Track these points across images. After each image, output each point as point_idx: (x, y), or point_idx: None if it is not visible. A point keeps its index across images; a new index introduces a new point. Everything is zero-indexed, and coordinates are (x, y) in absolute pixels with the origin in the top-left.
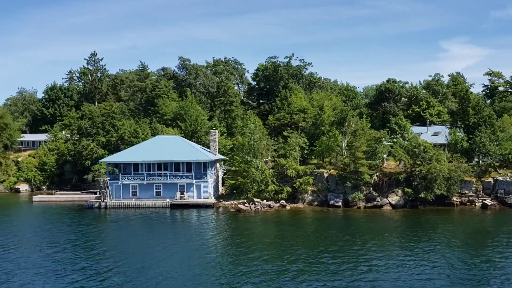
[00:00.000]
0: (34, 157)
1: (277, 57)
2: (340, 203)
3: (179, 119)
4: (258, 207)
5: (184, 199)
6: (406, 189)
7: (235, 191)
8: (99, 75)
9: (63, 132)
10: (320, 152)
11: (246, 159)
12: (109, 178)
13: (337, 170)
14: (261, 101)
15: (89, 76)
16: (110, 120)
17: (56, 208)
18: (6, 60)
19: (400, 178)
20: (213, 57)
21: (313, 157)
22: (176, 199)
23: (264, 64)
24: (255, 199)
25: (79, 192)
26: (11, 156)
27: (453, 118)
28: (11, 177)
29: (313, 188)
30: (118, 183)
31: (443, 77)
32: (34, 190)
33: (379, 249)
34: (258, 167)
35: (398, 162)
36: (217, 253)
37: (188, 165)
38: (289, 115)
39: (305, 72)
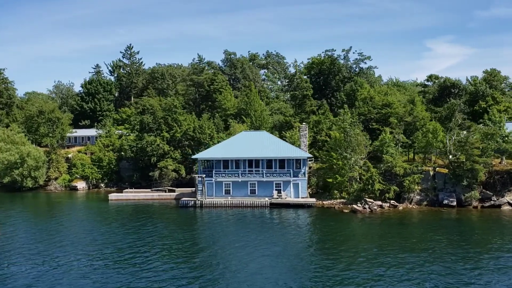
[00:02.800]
0: (85, 153)
1: (334, 50)
2: (454, 203)
3: (243, 114)
4: (375, 207)
5: (282, 198)
6: None
7: (320, 190)
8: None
9: (115, 127)
10: (421, 148)
11: (345, 156)
12: (205, 175)
13: (449, 168)
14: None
15: (123, 70)
16: (172, 115)
17: (143, 207)
18: None
19: None
20: (248, 51)
21: (406, 154)
22: (274, 198)
23: (317, 57)
24: (367, 199)
25: (149, 190)
26: (61, 152)
27: None
28: (64, 174)
29: (419, 187)
30: (211, 180)
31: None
32: (91, 188)
33: None
34: (360, 164)
35: (499, 159)
36: (386, 264)
37: (281, 162)
38: (374, 109)
39: (363, 65)
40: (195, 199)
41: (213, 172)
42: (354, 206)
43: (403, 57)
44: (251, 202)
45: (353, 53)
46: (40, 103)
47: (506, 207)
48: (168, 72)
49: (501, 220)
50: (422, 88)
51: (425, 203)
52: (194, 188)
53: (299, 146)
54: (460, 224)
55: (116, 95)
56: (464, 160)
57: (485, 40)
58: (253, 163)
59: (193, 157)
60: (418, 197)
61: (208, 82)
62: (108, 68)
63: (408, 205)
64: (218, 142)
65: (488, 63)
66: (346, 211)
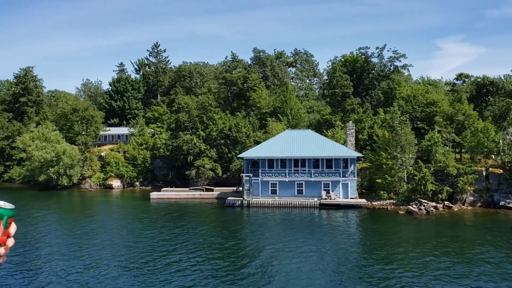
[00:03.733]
0: (118, 152)
1: (368, 48)
2: (511, 204)
3: (280, 113)
4: (431, 208)
5: (332, 198)
6: None
7: (364, 191)
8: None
9: (147, 126)
10: (472, 148)
11: (395, 156)
12: (252, 175)
13: (503, 168)
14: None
15: (150, 68)
16: (207, 114)
17: (187, 206)
18: (2, 54)
19: None
20: (274, 49)
21: (453, 154)
22: (324, 199)
23: (350, 55)
24: (422, 200)
25: (187, 189)
26: (94, 151)
27: None
28: (97, 172)
29: (472, 188)
30: (257, 180)
31: None
32: (125, 186)
33: None
34: (410, 163)
35: None
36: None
37: (329, 162)
38: (419, 108)
39: (398, 63)
40: (242, 198)
41: (259, 171)
42: (410, 207)
43: (413, 57)
44: (299, 202)
45: (388, 51)
46: (73, 101)
47: None
48: (196, 70)
49: None
50: (452, 87)
51: (479, 204)
52: (235, 188)
53: (343, 144)
54: None
55: (143, 92)
56: None
57: (496, 39)
58: (299, 162)
59: (238, 156)
60: (471, 198)
61: (241, 80)
62: (134, 66)
63: (462, 206)
64: (255, 140)
65: (499, 62)
66: (401, 212)
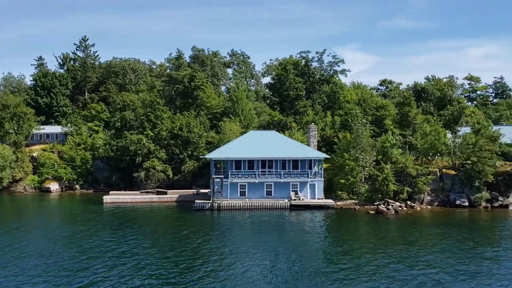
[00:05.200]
0: (53, 152)
1: (309, 52)
2: (466, 203)
3: (231, 113)
4: (399, 208)
5: (300, 200)
6: None
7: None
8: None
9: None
10: (425, 150)
11: (357, 157)
12: (223, 176)
13: (455, 169)
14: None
15: (77, 63)
16: (155, 112)
17: (150, 211)
18: None
19: None
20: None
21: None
22: (293, 200)
23: (288, 59)
24: (389, 201)
25: (137, 192)
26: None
27: None
28: (30, 174)
29: (429, 188)
30: (226, 181)
31: (457, 79)
32: (64, 189)
33: None
34: (371, 164)
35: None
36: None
37: (295, 163)
38: (370, 111)
39: (337, 68)
40: (211, 201)
41: (229, 173)
42: (380, 207)
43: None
44: (270, 204)
45: (328, 55)
46: (3, 97)
47: None
48: (129, 66)
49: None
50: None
51: (436, 203)
52: (195, 190)
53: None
54: (496, 224)
55: (71, 88)
56: (475, 161)
57: (387, 49)
58: (266, 164)
59: (206, 156)
60: (429, 197)
61: (188, 79)
62: (57, 60)
63: (421, 205)
64: (207, 141)
65: (391, 71)
66: (371, 212)
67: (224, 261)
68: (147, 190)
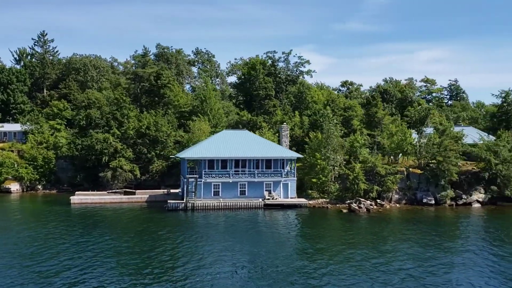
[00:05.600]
0: (12, 151)
1: (276, 52)
2: (432, 201)
3: (199, 112)
4: (371, 207)
5: (274, 199)
6: (492, 187)
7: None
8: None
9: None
10: (392, 150)
11: (328, 156)
12: (198, 176)
13: (421, 168)
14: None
15: (34, 59)
16: (122, 110)
17: (122, 212)
18: None
19: (485, 176)
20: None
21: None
22: (267, 199)
23: (254, 58)
24: (361, 199)
25: (105, 192)
26: None
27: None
28: None
29: (396, 187)
30: (200, 181)
31: (416, 81)
32: (25, 190)
33: None
34: (341, 164)
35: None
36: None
37: (268, 162)
38: (339, 111)
39: (303, 69)
40: (185, 201)
41: (202, 172)
42: (353, 205)
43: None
44: (245, 203)
45: (294, 56)
46: None
47: (476, 205)
48: (91, 63)
49: (487, 215)
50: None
51: (403, 201)
52: (165, 190)
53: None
54: (460, 220)
55: (29, 85)
56: (441, 161)
57: (342, 51)
58: (239, 163)
59: (179, 156)
60: (396, 196)
61: (154, 77)
62: (13, 55)
63: (389, 203)
64: (176, 140)
65: (345, 73)
66: (344, 211)
67: (201, 261)
68: (114, 190)
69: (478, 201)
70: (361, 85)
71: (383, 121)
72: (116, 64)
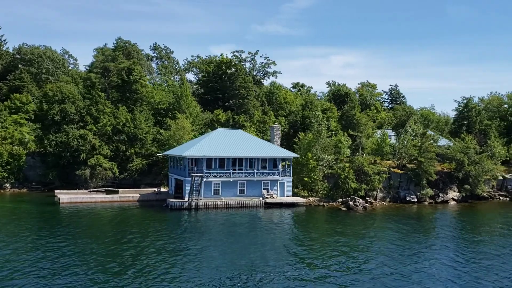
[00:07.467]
0: None
1: (243, 52)
2: (415, 199)
3: (177, 110)
4: (366, 205)
5: (272, 197)
6: (465, 186)
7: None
8: None
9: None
10: (373, 151)
11: (319, 156)
12: (203, 175)
13: (401, 169)
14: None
15: None
16: (97, 106)
17: (118, 213)
18: None
19: (459, 176)
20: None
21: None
22: (266, 197)
23: (219, 57)
24: (356, 198)
25: (86, 191)
26: None
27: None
28: None
29: (380, 186)
30: (202, 180)
31: (369, 84)
32: None
33: None
34: (330, 163)
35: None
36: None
37: (264, 161)
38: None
39: (269, 69)
40: (188, 200)
41: (204, 171)
42: (351, 203)
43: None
44: (246, 202)
45: (260, 56)
46: None
47: (452, 202)
48: (46, 54)
49: (466, 212)
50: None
51: (388, 199)
52: (157, 188)
53: None
54: (458, 218)
55: None
56: (423, 161)
57: (260, 52)
58: (236, 162)
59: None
60: (381, 194)
61: (126, 72)
62: None
63: (375, 201)
64: (155, 138)
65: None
66: (343, 209)
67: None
68: (96, 189)
69: (453, 199)
70: (311, 87)
71: (364, 124)
72: (66, 56)
